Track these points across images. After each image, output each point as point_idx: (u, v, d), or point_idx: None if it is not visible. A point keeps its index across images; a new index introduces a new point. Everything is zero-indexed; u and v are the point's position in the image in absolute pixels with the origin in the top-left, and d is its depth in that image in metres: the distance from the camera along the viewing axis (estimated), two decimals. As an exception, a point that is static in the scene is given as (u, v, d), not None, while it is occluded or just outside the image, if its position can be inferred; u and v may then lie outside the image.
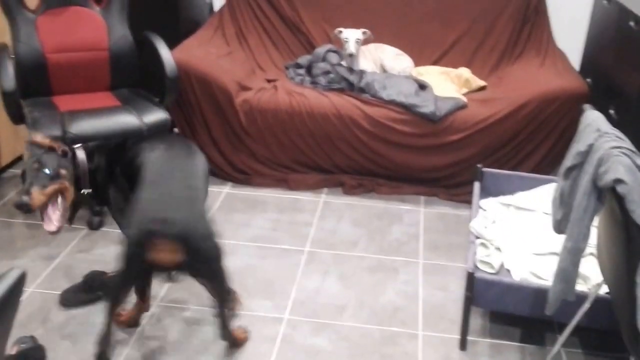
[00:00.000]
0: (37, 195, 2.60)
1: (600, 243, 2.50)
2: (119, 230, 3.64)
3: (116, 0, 4.01)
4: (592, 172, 2.22)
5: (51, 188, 2.65)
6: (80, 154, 2.80)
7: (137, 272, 2.55)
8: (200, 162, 2.81)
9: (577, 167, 2.38)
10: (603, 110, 2.71)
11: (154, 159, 2.67)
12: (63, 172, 2.69)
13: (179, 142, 2.89)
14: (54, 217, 2.68)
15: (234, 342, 2.91)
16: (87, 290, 3.18)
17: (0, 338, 1.57)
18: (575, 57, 4.66)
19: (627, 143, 2.21)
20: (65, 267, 3.42)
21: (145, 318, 3.07)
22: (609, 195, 2.21)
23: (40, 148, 2.68)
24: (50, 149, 2.70)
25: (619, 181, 2.07)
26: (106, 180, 2.84)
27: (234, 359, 2.86)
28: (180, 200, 2.52)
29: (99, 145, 2.91)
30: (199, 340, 2.97)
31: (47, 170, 2.64)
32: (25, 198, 2.57)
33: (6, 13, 3.77)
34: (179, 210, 2.47)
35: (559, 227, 2.52)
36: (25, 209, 2.58)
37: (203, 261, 2.51)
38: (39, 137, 2.72)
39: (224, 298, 2.69)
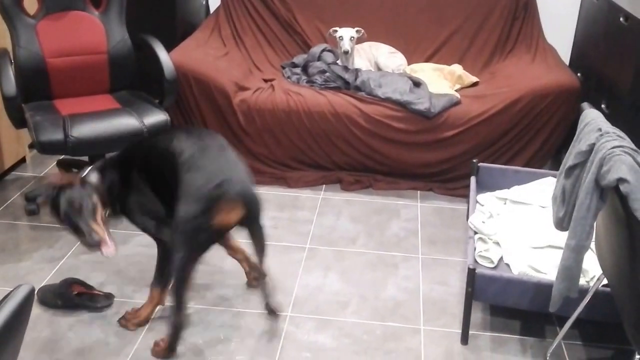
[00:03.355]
0: (98, 228, 2.62)
1: (600, 239, 2.45)
2: (122, 231, 3.62)
3: (114, 4, 3.93)
4: (595, 172, 2.17)
5: (98, 217, 2.65)
6: (93, 178, 2.74)
7: (204, 242, 2.64)
8: (219, 136, 2.85)
9: (579, 166, 2.33)
10: (595, 105, 2.66)
11: (181, 144, 2.69)
12: (94, 198, 2.67)
13: (191, 128, 2.97)
14: (109, 239, 2.66)
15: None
16: (62, 296, 3.09)
17: (11, 354, 1.52)
18: (564, 52, 4.61)
19: (628, 142, 2.17)
20: (70, 268, 3.36)
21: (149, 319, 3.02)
22: (611, 194, 2.16)
23: (60, 189, 2.64)
24: (69, 185, 2.64)
25: (622, 180, 2.03)
26: (124, 192, 2.80)
27: (240, 357, 2.80)
28: (223, 163, 2.64)
29: (106, 161, 2.85)
30: (204, 339, 2.91)
31: (87, 206, 2.62)
32: (95, 237, 2.60)
33: (6, 19, 3.69)
34: (228, 171, 2.60)
35: (562, 225, 2.47)
36: (100, 244, 2.62)
37: (256, 213, 2.70)
38: (58, 179, 2.68)
39: (264, 247, 2.80)
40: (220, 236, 2.72)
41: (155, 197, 2.76)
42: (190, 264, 2.63)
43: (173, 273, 2.66)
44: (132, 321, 2.98)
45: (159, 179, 2.73)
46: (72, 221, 2.63)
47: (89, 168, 2.78)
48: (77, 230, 2.64)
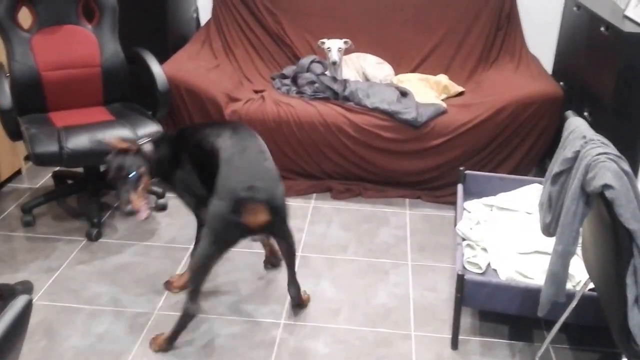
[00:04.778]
0: (135, 199, 2.87)
1: (586, 244, 2.46)
2: (118, 241, 3.61)
3: (107, 18, 3.93)
4: (580, 178, 2.17)
5: (140, 187, 2.89)
6: (147, 148, 2.97)
7: (231, 238, 2.74)
8: (260, 139, 2.96)
9: (565, 173, 2.33)
10: (578, 113, 2.67)
11: (225, 142, 2.84)
12: (142, 169, 2.90)
13: (238, 125, 3.01)
14: (143, 207, 2.89)
15: (300, 300, 3.15)
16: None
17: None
18: (547, 62, 4.63)
19: (612, 149, 2.17)
20: (66, 278, 3.34)
21: (145, 326, 3.00)
22: (596, 200, 2.16)
23: (118, 152, 2.88)
24: (124, 151, 2.88)
25: (607, 186, 2.03)
26: (172, 166, 3.02)
27: (234, 365, 2.80)
28: (258, 169, 2.74)
29: (162, 136, 3.13)
30: (199, 345, 2.89)
31: (133, 174, 2.86)
32: (129, 207, 2.86)
33: (1, 33, 3.68)
34: (260, 178, 2.70)
35: (549, 230, 2.47)
36: (133, 214, 2.88)
37: (281, 220, 2.81)
38: (115, 141, 2.91)
39: (293, 254, 3.04)
40: (246, 235, 2.78)
41: (198, 180, 2.96)
42: (213, 256, 2.74)
43: (196, 260, 2.77)
44: (175, 285, 3.25)
45: (204, 168, 2.91)
46: (115, 186, 2.89)
47: (147, 138, 3.06)
48: (117, 194, 2.90)
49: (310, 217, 3.94)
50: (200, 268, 2.75)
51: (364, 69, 4.59)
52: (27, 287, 3.17)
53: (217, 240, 2.70)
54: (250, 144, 2.85)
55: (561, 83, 4.22)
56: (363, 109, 4.11)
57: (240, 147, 2.81)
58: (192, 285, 2.77)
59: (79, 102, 3.90)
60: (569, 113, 2.58)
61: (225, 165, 2.73)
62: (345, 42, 4.43)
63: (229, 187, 2.66)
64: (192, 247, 3.24)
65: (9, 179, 4.28)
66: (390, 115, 4.04)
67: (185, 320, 2.82)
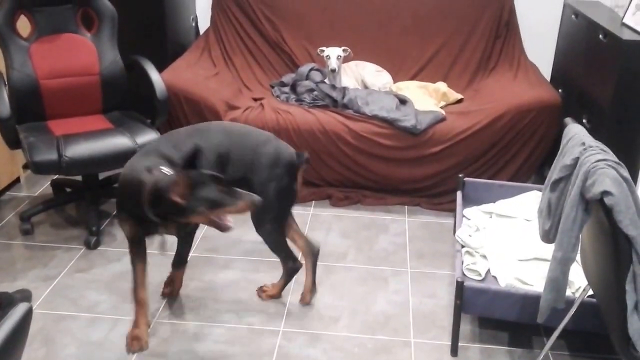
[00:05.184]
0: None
1: (585, 251, 2.46)
2: (117, 249, 3.61)
3: (106, 26, 3.93)
4: (580, 185, 2.17)
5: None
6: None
7: (288, 208, 3.05)
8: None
9: (564, 180, 2.34)
10: (576, 120, 2.67)
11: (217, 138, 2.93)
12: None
13: (209, 124, 3.08)
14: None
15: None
16: None
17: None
18: (545, 69, 4.63)
19: (611, 155, 2.17)
20: (64, 287, 3.33)
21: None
22: (596, 207, 2.16)
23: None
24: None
25: (606, 193, 2.03)
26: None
27: (234, 373, 2.80)
28: (279, 141, 2.99)
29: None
30: (198, 352, 2.89)
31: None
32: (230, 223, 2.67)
33: (-1, 41, 3.70)
34: (287, 145, 2.99)
35: (548, 237, 2.46)
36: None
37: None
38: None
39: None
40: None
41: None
42: (281, 232, 3.04)
43: (272, 245, 3.06)
44: (173, 294, 3.28)
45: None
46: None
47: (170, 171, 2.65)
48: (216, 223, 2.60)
49: (310, 224, 3.94)
50: (280, 247, 3.07)
51: (362, 77, 4.60)
52: (25, 296, 3.16)
53: (278, 220, 2.99)
54: (246, 128, 3.02)
55: (560, 90, 4.23)
56: (362, 116, 4.11)
57: (245, 130, 2.98)
58: (283, 258, 3.12)
59: (77, 110, 3.90)
60: (568, 120, 2.58)
61: (262, 149, 2.90)
62: (344, 50, 4.44)
63: (284, 164, 2.90)
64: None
65: (8, 187, 4.28)
66: (389, 122, 4.04)
67: (291, 277, 3.20)
